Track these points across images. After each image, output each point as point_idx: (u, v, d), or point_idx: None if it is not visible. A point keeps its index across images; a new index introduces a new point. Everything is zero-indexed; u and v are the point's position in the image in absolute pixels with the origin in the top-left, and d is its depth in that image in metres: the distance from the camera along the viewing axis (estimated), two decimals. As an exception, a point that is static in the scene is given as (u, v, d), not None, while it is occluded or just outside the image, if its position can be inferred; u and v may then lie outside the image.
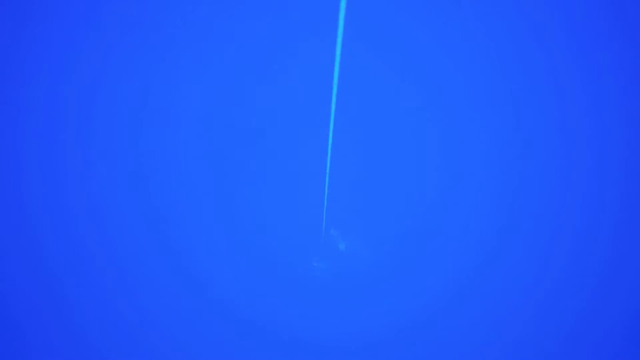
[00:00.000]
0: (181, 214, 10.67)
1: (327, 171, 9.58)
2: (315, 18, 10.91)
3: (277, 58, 10.90)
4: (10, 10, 10.15)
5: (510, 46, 10.99)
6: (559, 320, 10.78)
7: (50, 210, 10.40)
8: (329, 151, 9.99)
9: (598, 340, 10.66)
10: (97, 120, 10.52)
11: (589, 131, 10.92)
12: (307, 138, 10.78)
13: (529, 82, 10.99)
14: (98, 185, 10.42)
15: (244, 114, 10.95)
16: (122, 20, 10.35)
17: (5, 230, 10.25)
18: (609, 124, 10.86)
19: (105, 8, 10.35)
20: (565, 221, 10.99)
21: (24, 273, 10.26)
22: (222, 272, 10.74)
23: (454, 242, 11.05)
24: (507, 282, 10.92)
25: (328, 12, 10.87)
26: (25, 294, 10.22)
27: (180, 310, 10.47)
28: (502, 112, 10.95)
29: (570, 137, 10.97)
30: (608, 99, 10.86)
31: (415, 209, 11.15)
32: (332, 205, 10.94)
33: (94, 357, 10.08)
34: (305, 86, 10.78)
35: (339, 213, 11.01)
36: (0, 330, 10.05)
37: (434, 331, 10.79)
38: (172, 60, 10.74)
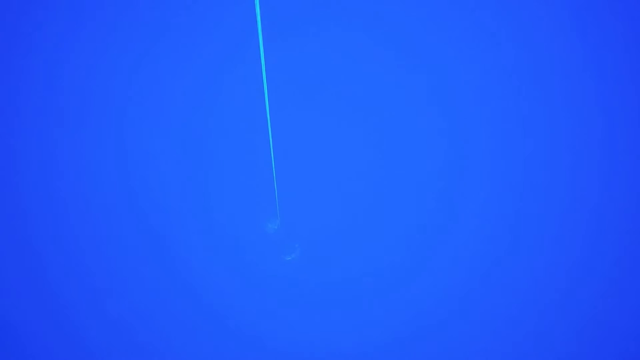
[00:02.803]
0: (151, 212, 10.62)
1: (274, 166, 9.33)
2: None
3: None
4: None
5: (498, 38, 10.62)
6: (568, 323, 10.35)
7: (39, 207, 10.48)
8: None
9: (608, 341, 10.19)
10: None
11: (599, 131, 10.48)
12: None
13: (537, 81, 10.63)
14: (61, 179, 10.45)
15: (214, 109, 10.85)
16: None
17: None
18: (624, 125, 10.42)
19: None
20: (575, 222, 10.54)
21: (12, 273, 10.38)
22: (200, 276, 10.62)
23: (447, 243, 10.68)
24: (507, 286, 10.51)
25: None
26: (14, 293, 10.33)
27: (159, 311, 10.43)
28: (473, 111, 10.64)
29: (582, 136, 10.55)
30: (621, 102, 10.43)
31: (406, 209, 10.83)
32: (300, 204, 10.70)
33: (76, 355, 10.13)
34: (285, 80, 10.65)
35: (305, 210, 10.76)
36: None
37: (427, 336, 10.48)
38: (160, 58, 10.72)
